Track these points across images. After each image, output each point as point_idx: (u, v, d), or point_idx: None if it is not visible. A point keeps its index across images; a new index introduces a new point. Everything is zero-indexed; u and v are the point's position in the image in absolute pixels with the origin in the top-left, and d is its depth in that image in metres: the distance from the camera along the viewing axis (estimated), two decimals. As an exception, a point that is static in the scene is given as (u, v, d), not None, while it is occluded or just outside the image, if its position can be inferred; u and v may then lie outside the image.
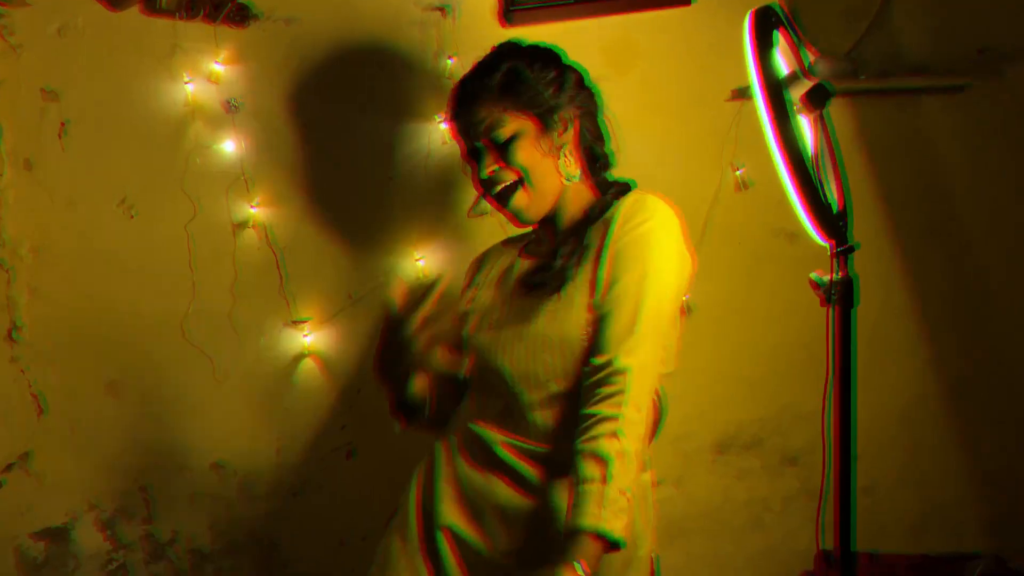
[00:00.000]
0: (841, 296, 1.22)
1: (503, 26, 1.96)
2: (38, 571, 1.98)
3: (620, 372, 1.26)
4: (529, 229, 1.56)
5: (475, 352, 1.47)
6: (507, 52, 1.49)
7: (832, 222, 1.24)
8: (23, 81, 1.86)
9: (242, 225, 1.94)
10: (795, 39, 1.29)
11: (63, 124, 1.88)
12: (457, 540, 1.43)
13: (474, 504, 1.43)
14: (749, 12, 1.28)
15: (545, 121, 1.43)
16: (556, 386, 1.36)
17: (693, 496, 2.17)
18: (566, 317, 1.35)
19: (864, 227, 2.03)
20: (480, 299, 1.53)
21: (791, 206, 1.40)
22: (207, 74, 1.90)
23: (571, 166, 1.45)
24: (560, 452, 1.33)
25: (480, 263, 1.64)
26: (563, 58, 1.51)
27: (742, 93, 1.99)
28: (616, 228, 1.36)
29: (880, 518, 2.16)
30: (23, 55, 1.85)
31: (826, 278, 1.24)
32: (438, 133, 1.95)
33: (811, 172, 1.19)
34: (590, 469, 1.21)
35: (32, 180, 1.89)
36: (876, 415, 2.13)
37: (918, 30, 2.04)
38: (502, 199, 1.45)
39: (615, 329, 1.29)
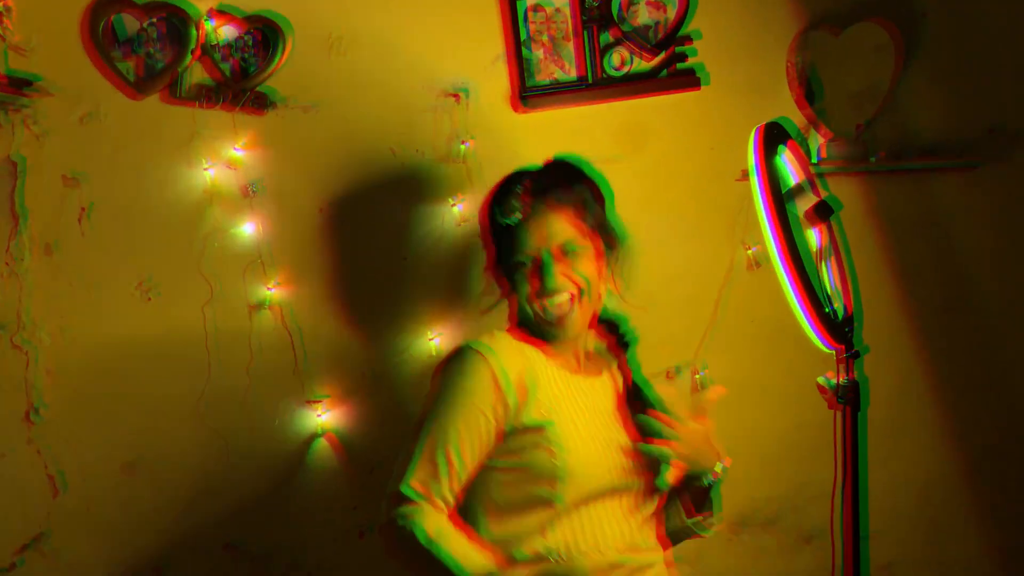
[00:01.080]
0: (850, 399, 1.22)
1: (516, 111, 1.97)
2: (51, 654, 1.96)
3: None
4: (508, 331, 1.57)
5: (591, 474, 1.41)
6: (577, 172, 1.54)
7: (838, 329, 1.24)
8: (46, 168, 1.86)
9: (259, 306, 1.93)
10: (804, 150, 1.31)
11: (84, 209, 1.87)
12: None
13: None
14: (755, 129, 1.29)
15: (607, 244, 1.52)
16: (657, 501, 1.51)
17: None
18: None
19: (879, 305, 2.07)
20: (568, 423, 1.43)
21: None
22: (226, 159, 1.90)
23: (606, 292, 1.53)
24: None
25: (522, 377, 1.45)
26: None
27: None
28: None
29: (900, 597, 2.15)
30: (46, 143, 1.85)
31: (834, 381, 1.25)
32: (451, 215, 1.95)
33: (816, 287, 1.20)
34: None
35: (52, 264, 1.88)
36: (895, 491, 2.13)
37: (928, 111, 2.06)
38: (560, 309, 1.45)
39: None
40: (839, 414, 1.27)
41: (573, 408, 1.45)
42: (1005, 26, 2.05)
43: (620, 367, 1.60)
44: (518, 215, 1.44)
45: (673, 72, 1.98)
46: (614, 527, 1.43)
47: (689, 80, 1.98)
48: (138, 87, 1.86)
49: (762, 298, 2.03)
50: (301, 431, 1.97)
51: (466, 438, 1.37)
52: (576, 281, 1.45)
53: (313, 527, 1.99)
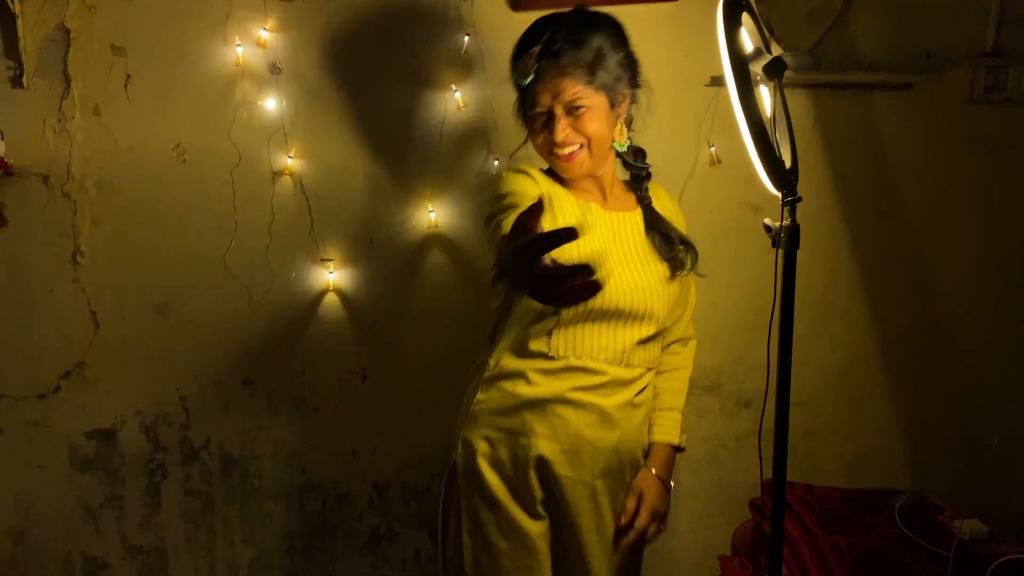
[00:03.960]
0: (787, 240, 1.39)
1: (515, 10, 2.12)
2: (88, 466, 2.21)
3: (691, 337, 1.87)
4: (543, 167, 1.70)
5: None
6: (594, 24, 1.58)
7: (784, 176, 1.39)
8: (95, 37, 2.03)
9: (279, 173, 2.13)
10: (757, 21, 1.49)
11: (128, 76, 2.05)
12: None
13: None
14: None
15: (612, 98, 1.60)
16: (653, 327, 1.65)
17: (658, 430, 2.43)
18: (669, 281, 1.68)
19: (818, 204, 2.30)
20: (577, 247, 1.56)
21: (757, 180, 1.51)
22: (255, 39, 2.07)
23: (622, 137, 1.65)
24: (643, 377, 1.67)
25: (539, 192, 1.60)
26: (627, 36, 1.65)
27: (719, 80, 2.19)
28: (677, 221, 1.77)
29: (819, 458, 2.44)
30: (96, 14, 2.02)
31: (776, 224, 1.41)
32: (453, 101, 2.14)
33: (768, 132, 1.36)
34: (678, 399, 1.79)
35: (99, 124, 2.07)
36: (821, 369, 2.40)
37: (873, 33, 2.24)
38: (567, 157, 1.59)
39: (689, 305, 1.82)
40: (779, 252, 1.41)
41: (588, 234, 1.60)
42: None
43: (639, 200, 1.73)
44: (531, 76, 1.56)
45: (655, -16, 2.14)
46: (608, 342, 1.60)
47: (669, -7, 2.14)
48: (179, -32, 2.05)
49: (720, 192, 2.30)
50: (313, 286, 2.20)
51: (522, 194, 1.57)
52: (580, 136, 1.58)
53: (321, 369, 2.25)
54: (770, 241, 1.48)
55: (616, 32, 1.63)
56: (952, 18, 2.27)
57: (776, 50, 2.18)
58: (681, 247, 1.71)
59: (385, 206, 2.20)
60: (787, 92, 2.10)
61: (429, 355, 2.28)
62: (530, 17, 2.09)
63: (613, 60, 1.59)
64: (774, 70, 1.37)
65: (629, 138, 1.69)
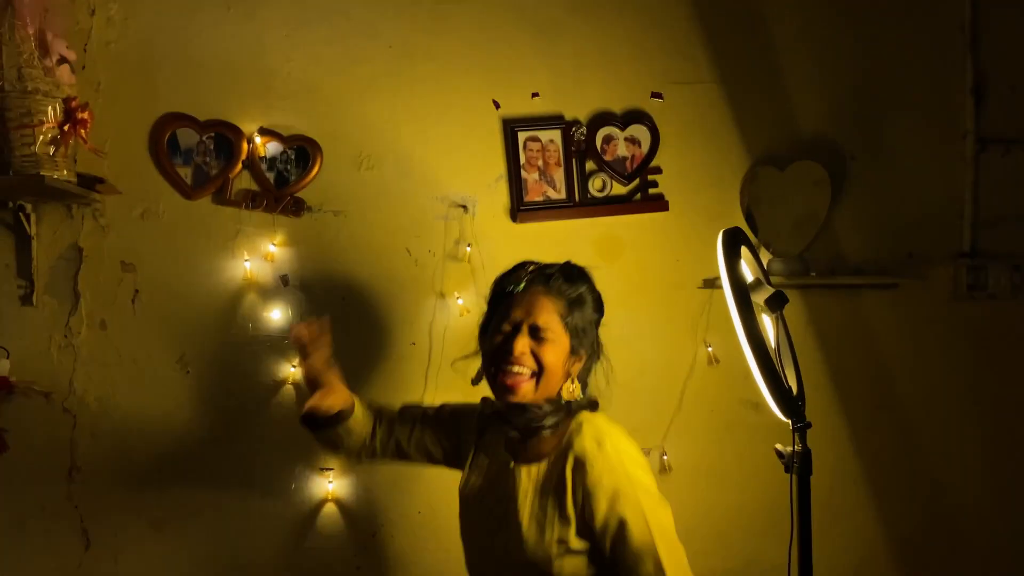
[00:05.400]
0: (800, 465, 1.42)
1: (513, 222, 2.24)
2: None
3: None
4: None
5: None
6: (582, 277, 1.63)
7: (792, 403, 1.42)
8: (106, 255, 2.10)
9: (282, 382, 2.15)
10: (755, 254, 1.57)
11: (136, 291, 2.10)
12: None
13: None
14: (720, 232, 1.56)
15: (574, 345, 1.58)
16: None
17: (670, 642, 2.31)
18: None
19: (818, 401, 2.30)
20: (479, 467, 1.67)
21: (756, 382, 1.61)
22: (263, 254, 2.15)
23: (574, 390, 1.59)
24: None
25: (481, 423, 1.72)
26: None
27: (711, 283, 2.28)
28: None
29: (839, 664, 2.31)
30: (109, 233, 2.10)
31: (787, 449, 1.43)
32: (456, 308, 2.20)
33: (774, 362, 1.41)
34: None
35: (104, 338, 2.09)
36: (831, 571, 2.26)
37: (857, 237, 2.35)
38: (513, 381, 1.53)
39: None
40: (793, 477, 1.42)
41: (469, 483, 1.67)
42: (918, 167, 2.38)
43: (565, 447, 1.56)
44: (522, 284, 1.58)
45: (645, 196, 2.29)
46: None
47: (658, 203, 2.28)
48: (193, 190, 2.14)
49: (720, 391, 2.31)
50: (312, 497, 2.16)
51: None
52: (534, 362, 1.54)
53: (319, 585, 2.16)
54: (780, 458, 1.50)
55: (597, 299, 1.66)
56: (929, 220, 2.38)
57: (765, 256, 2.27)
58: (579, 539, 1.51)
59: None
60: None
61: (430, 568, 2.20)
62: (528, 228, 2.25)
63: (588, 311, 1.61)
64: (776, 303, 1.42)
65: (582, 393, 1.63)
